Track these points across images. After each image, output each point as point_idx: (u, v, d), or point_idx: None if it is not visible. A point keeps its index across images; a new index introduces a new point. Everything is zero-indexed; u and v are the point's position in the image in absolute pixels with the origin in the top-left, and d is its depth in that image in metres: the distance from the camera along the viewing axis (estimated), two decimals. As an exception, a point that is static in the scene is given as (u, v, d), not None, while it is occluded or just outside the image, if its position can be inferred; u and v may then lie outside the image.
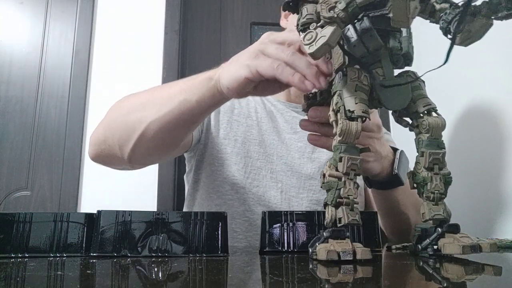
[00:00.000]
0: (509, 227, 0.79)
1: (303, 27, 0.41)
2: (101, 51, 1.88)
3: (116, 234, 0.44)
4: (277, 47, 0.48)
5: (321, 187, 0.42)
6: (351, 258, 0.36)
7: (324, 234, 0.39)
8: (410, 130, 0.46)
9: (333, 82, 0.45)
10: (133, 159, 0.66)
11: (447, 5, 0.40)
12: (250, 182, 0.81)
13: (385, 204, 0.69)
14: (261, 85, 0.52)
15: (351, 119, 0.41)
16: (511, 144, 0.81)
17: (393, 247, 0.53)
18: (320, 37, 0.38)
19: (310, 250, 0.40)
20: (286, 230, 0.47)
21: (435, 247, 0.41)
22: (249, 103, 0.90)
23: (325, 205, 0.40)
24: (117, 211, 0.45)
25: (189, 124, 0.62)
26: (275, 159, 0.84)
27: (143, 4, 1.91)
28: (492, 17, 0.38)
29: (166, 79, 1.84)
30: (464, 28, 0.38)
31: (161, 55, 1.86)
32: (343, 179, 0.39)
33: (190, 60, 1.92)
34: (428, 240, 0.42)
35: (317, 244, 0.39)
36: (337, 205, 0.39)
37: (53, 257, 0.42)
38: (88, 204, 1.74)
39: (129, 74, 1.85)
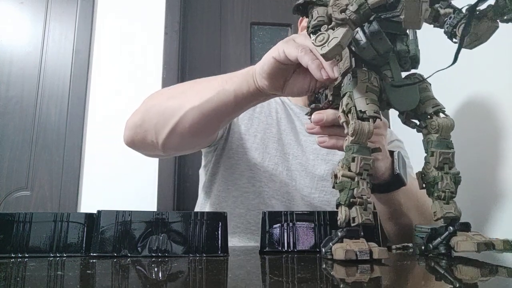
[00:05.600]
0: (509, 227, 0.79)
1: (314, 29, 0.41)
2: (101, 51, 1.88)
3: (116, 234, 0.43)
4: (306, 37, 0.51)
5: (333, 187, 0.41)
6: (368, 258, 0.36)
7: (339, 233, 0.39)
8: (418, 131, 0.46)
9: (342, 85, 0.45)
10: (167, 146, 0.67)
11: (451, 10, 0.41)
12: (267, 176, 0.83)
13: (388, 209, 0.69)
14: (291, 81, 0.55)
15: (362, 119, 0.41)
16: (509, 143, 0.81)
17: (393, 247, 0.53)
18: (332, 38, 0.38)
19: (324, 250, 0.40)
20: (286, 230, 0.47)
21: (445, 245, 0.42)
22: (270, 103, 0.93)
23: (338, 205, 0.40)
24: (117, 211, 0.44)
25: (225, 116, 0.64)
26: (291, 158, 0.86)
27: (143, 4, 1.91)
28: (498, 20, 0.38)
29: (166, 79, 1.84)
30: (471, 31, 0.38)
31: (161, 55, 1.86)
32: (356, 179, 0.40)
33: (190, 60, 1.92)
34: (439, 238, 0.42)
35: (330, 244, 0.39)
36: (350, 205, 0.39)
37: (53, 257, 0.42)
38: (88, 204, 1.73)
39: (129, 74, 1.85)
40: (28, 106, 1.82)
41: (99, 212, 0.45)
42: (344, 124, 0.42)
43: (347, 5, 0.38)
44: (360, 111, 0.41)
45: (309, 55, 0.48)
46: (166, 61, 1.85)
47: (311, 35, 0.41)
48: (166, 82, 1.84)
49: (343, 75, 0.46)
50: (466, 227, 0.42)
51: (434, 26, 0.43)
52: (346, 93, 0.43)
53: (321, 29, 0.40)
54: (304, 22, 0.95)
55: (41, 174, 1.78)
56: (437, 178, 0.43)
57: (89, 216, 0.45)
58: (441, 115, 0.44)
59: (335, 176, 0.41)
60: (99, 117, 1.82)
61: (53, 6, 1.91)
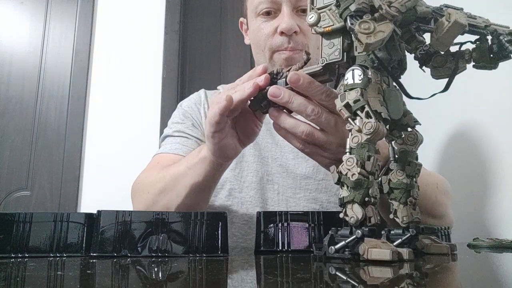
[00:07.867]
0: (509, 227, 0.80)
1: (356, 14, 0.40)
2: (101, 51, 1.88)
3: (116, 234, 0.44)
4: (215, 104, 0.53)
5: (336, 183, 0.41)
6: (397, 259, 0.37)
7: (359, 232, 0.39)
8: (387, 138, 0.48)
9: (345, 77, 0.43)
10: None
11: (424, 40, 0.43)
12: (247, 185, 0.82)
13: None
14: (240, 134, 0.57)
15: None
16: (507, 149, 0.82)
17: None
18: (379, 31, 0.38)
19: (334, 249, 0.39)
20: (280, 230, 0.47)
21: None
22: None
23: (350, 202, 0.39)
24: (117, 211, 0.45)
25: (208, 192, 0.68)
26: (270, 161, 0.84)
27: (143, 4, 1.91)
28: (469, 64, 0.42)
29: (166, 79, 1.84)
30: (446, 66, 0.43)
31: (161, 55, 1.86)
32: (370, 178, 0.39)
33: (190, 60, 1.92)
34: (401, 239, 0.44)
35: (344, 242, 0.39)
36: (363, 204, 0.39)
37: (53, 257, 0.43)
38: (88, 204, 1.74)
39: (129, 74, 1.85)
40: (28, 106, 1.83)
41: (99, 212, 0.45)
42: (349, 120, 0.42)
43: (395, 1, 0.38)
44: (376, 111, 0.40)
45: (222, 102, 0.49)
46: (166, 61, 1.86)
47: (348, 18, 0.40)
48: (166, 82, 1.84)
49: (326, 66, 0.45)
50: (424, 230, 0.45)
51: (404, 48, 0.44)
52: (354, 88, 0.42)
53: (364, 17, 0.39)
54: (245, 25, 0.92)
55: (41, 174, 1.78)
56: (409, 185, 0.46)
57: (89, 216, 0.45)
58: (415, 130, 0.47)
59: (340, 172, 0.41)
60: (99, 117, 1.82)
61: (53, 6, 1.91)
